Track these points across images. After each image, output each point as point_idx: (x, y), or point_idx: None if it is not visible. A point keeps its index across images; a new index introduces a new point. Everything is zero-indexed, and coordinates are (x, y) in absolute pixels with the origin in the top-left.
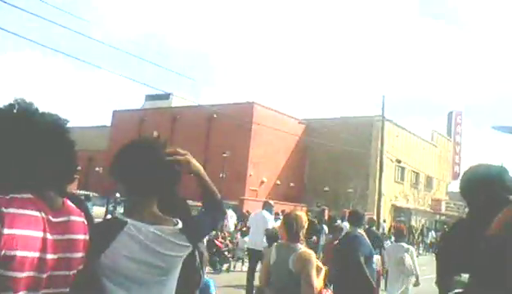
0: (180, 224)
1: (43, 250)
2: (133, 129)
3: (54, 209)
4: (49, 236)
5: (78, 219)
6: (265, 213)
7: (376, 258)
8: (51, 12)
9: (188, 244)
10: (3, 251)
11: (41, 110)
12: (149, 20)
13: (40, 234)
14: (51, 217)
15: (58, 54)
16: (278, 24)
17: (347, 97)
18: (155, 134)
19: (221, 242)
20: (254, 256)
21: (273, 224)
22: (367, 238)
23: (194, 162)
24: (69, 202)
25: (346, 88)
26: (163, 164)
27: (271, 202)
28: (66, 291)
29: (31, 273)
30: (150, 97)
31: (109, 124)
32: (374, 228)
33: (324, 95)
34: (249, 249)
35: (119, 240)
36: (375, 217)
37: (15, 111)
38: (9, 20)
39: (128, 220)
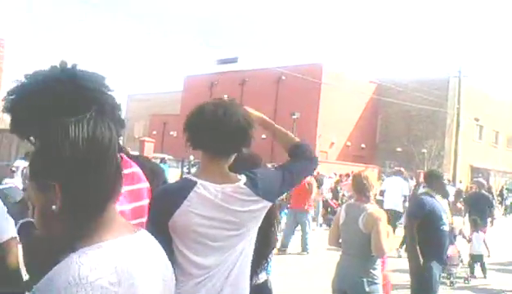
0: (244, 179)
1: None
2: (204, 93)
3: None
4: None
5: (136, 170)
6: (398, 179)
7: (456, 220)
8: None
9: (256, 198)
10: None
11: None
12: None
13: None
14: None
15: (130, 18)
16: None
17: (421, 56)
18: (225, 97)
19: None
20: (394, 216)
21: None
22: (438, 200)
23: (265, 118)
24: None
25: (420, 46)
26: (233, 123)
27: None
28: None
29: None
30: (219, 61)
31: (181, 89)
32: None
33: (396, 54)
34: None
35: (189, 199)
36: (450, 178)
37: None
38: None
39: (198, 179)
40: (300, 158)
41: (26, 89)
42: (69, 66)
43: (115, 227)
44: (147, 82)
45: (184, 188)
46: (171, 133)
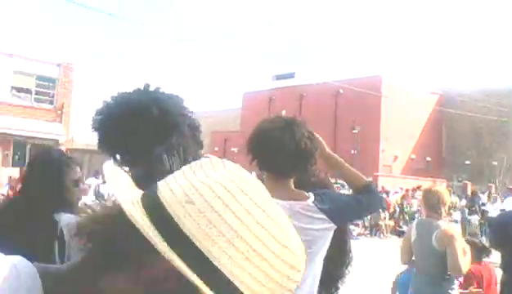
0: (312, 197)
1: None
2: (263, 109)
3: None
4: None
5: None
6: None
7: None
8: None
9: (324, 217)
10: None
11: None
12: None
13: None
14: None
15: (188, 37)
16: None
17: (483, 65)
18: (283, 113)
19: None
20: None
21: None
22: None
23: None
24: None
25: (485, 56)
26: (299, 143)
27: None
28: None
29: None
30: (277, 77)
31: (240, 106)
32: None
33: (457, 64)
34: None
35: None
36: None
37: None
38: None
39: None
40: (370, 193)
41: (112, 110)
42: (151, 89)
43: None
44: (208, 100)
45: None
46: (232, 149)
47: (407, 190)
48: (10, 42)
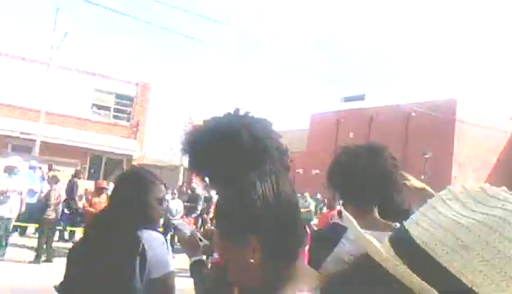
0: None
1: None
2: (330, 130)
3: None
4: None
5: None
6: None
7: None
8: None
9: None
10: None
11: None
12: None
13: None
14: None
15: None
16: (479, 17)
17: None
18: (351, 135)
19: None
20: None
21: None
22: None
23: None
24: None
25: None
26: (384, 173)
27: None
28: None
29: None
30: (346, 99)
31: (307, 127)
32: None
33: None
34: None
35: (340, 245)
36: None
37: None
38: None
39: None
40: None
41: (204, 134)
42: (241, 113)
43: (305, 277)
44: (274, 120)
45: (335, 233)
46: (297, 170)
47: None
48: (92, 62)
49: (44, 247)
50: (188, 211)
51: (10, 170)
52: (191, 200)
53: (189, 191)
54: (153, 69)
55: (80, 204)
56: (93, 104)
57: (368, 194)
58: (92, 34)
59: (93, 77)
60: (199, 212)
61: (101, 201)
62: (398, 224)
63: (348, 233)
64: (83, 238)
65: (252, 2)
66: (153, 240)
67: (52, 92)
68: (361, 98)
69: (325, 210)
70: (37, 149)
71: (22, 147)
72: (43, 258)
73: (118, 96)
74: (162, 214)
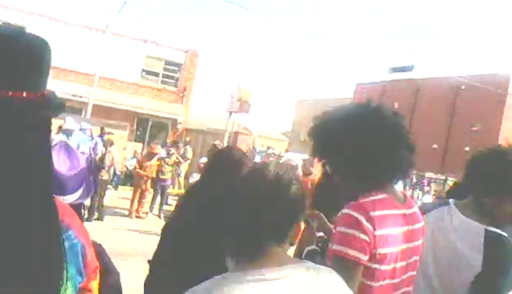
0: None
1: (404, 243)
2: (374, 100)
3: (402, 203)
4: (407, 229)
5: (416, 209)
6: None
7: None
8: None
9: None
10: (378, 250)
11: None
12: None
13: (401, 230)
14: (405, 211)
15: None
16: None
17: None
18: (396, 105)
19: None
20: None
21: None
22: None
23: None
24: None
25: None
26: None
27: None
28: (414, 274)
29: (395, 265)
30: (393, 69)
31: (350, 96)
32: None
33: None
34: None
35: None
36: None
37: (369, 108)
38: None
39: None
40: None
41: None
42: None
43: None
44: (317, 87)
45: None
46: None
47: None
48: (144, 29)
49: (96, 205)
50: None
51: (68, 132)
52: None
53: None
54: (201, 36)
55: (130, 166)
56: (143, 70)
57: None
58: (146, 2)
59: (145, 44)
60: None
61: (152, 164)
62: None
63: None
64: (177, 212)
65: None
66: None
67: (106, 58)
68: (409, 69)
69: None
70: (89, 111)
71: (75, 109)
72: (95, 216)
73: (166, 62)
74: None
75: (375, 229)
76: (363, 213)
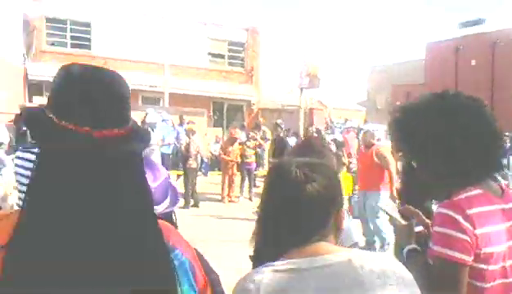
0: None
1: (509, 240)
2: (449, 60)
3: (499, 197)
4: (510, 225)
5: None
6: None
7: None
8: None
9: None
10: (482, 250)
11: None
12: None
13: (503, 226)
14: (504, 206)
15: None
16: None
17: None
18: (473, 63)
19: None
20: None
21: None
22: None
23: None
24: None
25: None
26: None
27: None
28: None
29: (504, 264)
30: (463, 24)
31: (423, 57)
32: None
33: None
34: None
35: None
36: None
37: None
38: None
39: None
40: None
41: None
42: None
43: None
44: (389, 52)
45: None
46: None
47: None
48: (203, 11)
49: (190, 193)
50: None
51: (152, 125)
52: None
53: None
54: (262, 13)
55: (214, 152)
56: (209, 53)
57: None
58: None
59: (205, 26)
60: None
61: (234, 149)
62: None
63: None
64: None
65: None
66: None
67: (171, 44)
68: (480, 22)
69: None
70: (166, 100)
71: (151, 99)
72: (192, 203)
73: (230, 43)
74: None
75: (474, 228)
76: (459, 212)
